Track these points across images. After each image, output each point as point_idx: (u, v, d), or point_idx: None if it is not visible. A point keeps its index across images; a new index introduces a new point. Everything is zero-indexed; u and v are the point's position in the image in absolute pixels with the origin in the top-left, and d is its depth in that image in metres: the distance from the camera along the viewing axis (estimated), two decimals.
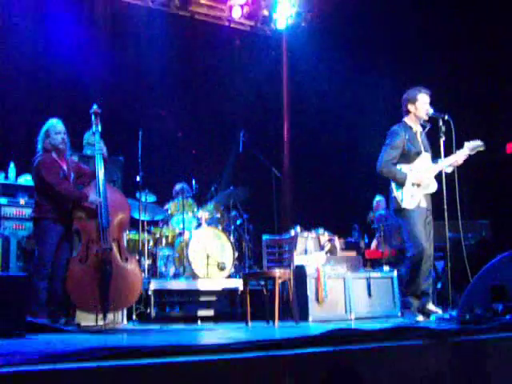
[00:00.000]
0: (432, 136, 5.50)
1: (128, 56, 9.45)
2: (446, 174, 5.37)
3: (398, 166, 5.54)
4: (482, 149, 5.56)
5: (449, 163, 5.47)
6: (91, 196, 5.52)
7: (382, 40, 9.48)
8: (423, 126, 5.68)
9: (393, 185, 5.59)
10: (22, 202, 6.71)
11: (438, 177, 5.45)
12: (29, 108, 8.07)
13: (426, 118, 5.55)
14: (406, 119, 5.66)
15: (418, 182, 5.48)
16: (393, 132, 5.64)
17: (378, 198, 9.05)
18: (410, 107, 5.63)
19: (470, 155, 5.54)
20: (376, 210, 9.03)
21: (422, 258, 5.36)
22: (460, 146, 5.45)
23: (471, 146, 5.52)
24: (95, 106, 5.93)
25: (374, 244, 8.56)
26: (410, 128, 5.62)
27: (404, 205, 5.50)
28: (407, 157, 5.56)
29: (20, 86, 8.26)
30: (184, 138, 9.16)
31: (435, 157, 5.58)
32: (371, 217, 9.02)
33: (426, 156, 5.59)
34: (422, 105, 5.57)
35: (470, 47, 8.45)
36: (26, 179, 6.92)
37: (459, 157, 5.49)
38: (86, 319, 5.65)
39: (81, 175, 5.81)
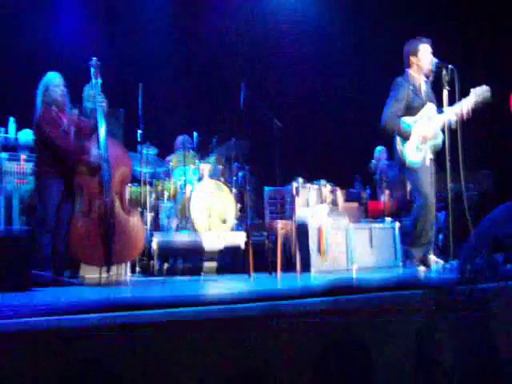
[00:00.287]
0: (437, 87, 5.41)
1: (127, 13, 9.32)
2: (449, 126, 5.29)
3: (403, 119, 5.49)
4: (488, 97, 5.43)
5: (454, 112, 5.35)
6: (93, 150, 5.49)
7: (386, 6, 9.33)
8: (427, 77, 5.60)
9: (398, 138, 5.54)
10: (23, 156, 6.69)
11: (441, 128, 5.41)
12: (27, 62, 7.99)
13: (430, 67, 5.46)
14: (410, 71, 5.59)
15: (424, 134, 5.43)
16: (396, 84, 5.57)
17: (380, 148, 9.01)
18: (413, 58, 5.54)
19: (475, 107, 5.42)
20: (378, 161, 9.01)
21: (428, 208, 5.37)
22: (465, 95, 5.36)
23: (478, 92, 5.37)
24: (94, 59, 5.87)
25: (382, 197, 8.52)
26: (414, 79, 5.55)
27: (409, 158, 5.47)
28: (412, 109, 5.50)
29: (18, 40, 8.17)
30: (184, 92, 9.09)
31: (440, 109, 5.50)
32: (373, 165, 9.01)
33: (430, 107, 5.53)
34: (424, 55, 5.49)
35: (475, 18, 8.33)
36: (27, 134, 6.89)
37: (465, 105, 5.37)
38: (89, 272, 5.70)
39: (81, 129, 5.78)
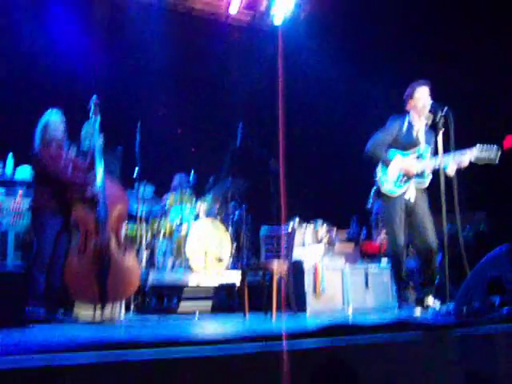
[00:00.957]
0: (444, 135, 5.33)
1: (126, 50, 9.43)
2: (445, 175, 5.24)
3: (392, 150, 5.53)
4: (493, 160, 5.29)
5: (450, 160, 5.29)
6: (92, 186, 5.51)
7: (380, 33, 9.44)
8: (427, 122, 5.62)
9: (378, 167, 5.59)
10: (20, 192, 6.70)
11: (436, 169, 5.40)
12: (27, 99, 8.04)
13: (426, 110, 5.50)
14: (409, 115, 5.64)
15: (405, 168, 5.44)
16: (391, 118, 5.66)
17: (376, 188, 9.04)
18: (410, 103, 5.61)
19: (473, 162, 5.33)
20: (374, 202, 9.04)
21: (397, 250, 5.36)
22: (460, 139, 5.34)
23: (482, 149, 5.21)
24: (95, 97, 5.92)
25: (378, 238, 8.52)
26: (411, 122, 5.59)
27: (384, 190, 5.52)
28: (402, 145, 5.54)
29: (18, 78, 8.24)
30: (182, 131, 9.15)
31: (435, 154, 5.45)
32: (370, 205, 9.03)
33: (424, 148, 5.55)
34: (419, 98, 5.53)
35: (468, 39, 8.42)
36: (25, 170, 6.90)
37: (464, 157, 5.29)
38: (83, 311, 5.66)
39: (77, 168, 5.79)
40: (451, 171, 5.27)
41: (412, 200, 5.46)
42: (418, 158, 5.52)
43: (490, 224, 7.76)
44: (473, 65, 8.20)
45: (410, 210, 5.47)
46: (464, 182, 5.64)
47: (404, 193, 5.46)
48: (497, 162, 5.28)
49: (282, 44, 11.00)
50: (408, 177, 5.47)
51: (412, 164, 5.47)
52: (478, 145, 5.29)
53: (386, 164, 5.48)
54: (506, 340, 3.17)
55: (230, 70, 10.43)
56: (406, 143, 5.53)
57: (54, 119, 5.61)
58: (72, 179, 5.50)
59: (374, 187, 9.02)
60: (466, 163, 5.30)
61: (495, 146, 5.29)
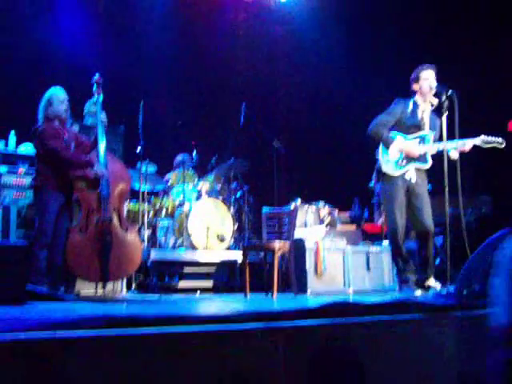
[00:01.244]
0: (449, 118, 5.32)
1: (130, 28, 9.38)
2: (448, 158, 5.24)
3: (393, 132, 5.51)
4: (501, 146, 5.36)
5: (453, 146, 5.32)
6: (94, 166, 5.50)
7: (387, 14, 9.38)
8: (432, 105, 5.60)
9: (380, 147, 5.58)
10: (22, 170, 6.70)
11: (440, 151, 5.38)
12: (29, 76, 8.01)
13: (431, 93, 5.47)
14: (415, 98, 5.61)
15: (406, 150, 5.44)
16: (396, 100, 5.64)
17: None
18: (415, 86, 5.58)
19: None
20: (375, 183, 9.04)
21: (397, 229, 5.37)
22: (465, 122, 5.34)
23: (486, 140, 5.31)
24: (97, 75, 5.90)
25: (380, 219, 8.52)
26: (416, 104, 5.57)
27: (385, 169, 5.51)
28: (405, 128, 5.52)
29: (21, 55, 8.20)
30: (186, 110, 9.12)
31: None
32: (372, 186, 9.03)
33: (428, 132, 5.53)
34: (424, 81, 5.50)
35: (474, 22, 8.37)
36: (27, 148, 6.90)
37: (467, 143, 5.34)
38: (85, 288, 5.69)
39: (80, 145, 5.79)
40: (454, 155, 5.29)
41: (413, 180, 5.46)
42: (420, 142, 5.50)
43: (494, 207, 7.76)
44: (478, 50, 8.16)
45: (410, 191, 5.46)
46: (468, 165, 5.63)
47: (404, 173, 5.45)
48: (503, 146, 5.29)
49: (287, 23, 10.95)
50: (409, 159, 5.46)
51: (413, 147, 5.45)
52: (482, 135, 5.29)
53: (387, 145, 5.46)
54: None
55: (233, 48, 10.36)
56: (411, 125, 5.51)
57: (57, 95, 5.59)
58: (73, 158, 5.49)
59: (377, 166, 9.03)
60: (468, 148, 5.32)
61: (500, 138, 5.30)
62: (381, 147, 5.57)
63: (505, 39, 7.94)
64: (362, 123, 5.78)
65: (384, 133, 5.49)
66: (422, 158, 5.49)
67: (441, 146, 5.26)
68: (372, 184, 8.96)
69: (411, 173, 5.47)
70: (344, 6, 9.93)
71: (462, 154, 5.32)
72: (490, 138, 5.28)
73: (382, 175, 5.57)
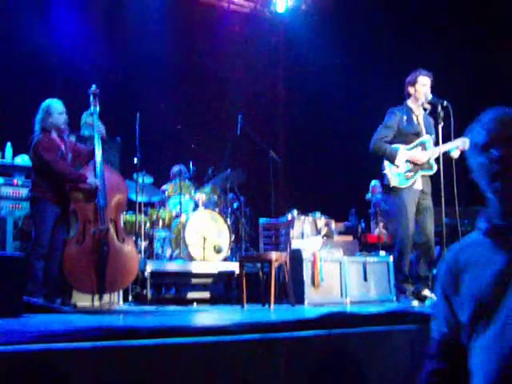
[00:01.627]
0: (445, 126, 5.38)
1: (126, 39, 9.40)
2: (444, 158, 5.30)
3: (394, 145, 5.53)
4: None
5: (452, 146, 5.38)
6: (89, 178, 5.50)
7: (382, 25, 9.41)
8: (425, 109, 5.65)
9: (385, 162, 5.59)
10: (18, 182, 6.69)
11: (436, 161, 5.42)
12: (25, 87, 8.03)
13: (426, 101, 5.52)
14: (408, 102, 5.66)
15: (412, 159, 5.47)
16: (389, 112, 5.66)
17: (374, 182, 9.07)
18: (410, 89, 5.62)
19: None
20: (372, 195, 9.05)
21: (407, 242, 5.38)
22: (460, 133, 5.38)
23: None
24: (94, 87, 5.91)
25: (377, 230, 8.54)
26: (410, 110, 5.60)
27: (394, 183, 5.51)
28: (405, 137, 5.55)
29: (17, 66, 8.22)
30: (182, 126, 9.13)
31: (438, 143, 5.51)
32: (368, 198, 9.05)
33: (427, 138, 5.57)
34: (421, 87, 5.55)
35: (469, 31, 8.40)
36: (23, 159, 6.90)
37: (466, 141, 5.39)
38: (82, 299, 5.68)
39: (78, 155, 5.80)
40: (456, 154, 5.36)
41: (420, 188, 5.49)
42: (422, 149, 5.54)
43: None
44: (472, 56, 8.19)
45: (419, 202, 5.49)
46: (465, 175, 5.64)
47: (413, 183, 5.47)
48: None
49: (284, 33, 11.00)
50: (416, 168, 5.48)
51: (418, 154, 5.49)
52: None
53: (393, 158, 5.47)
54: None
55: (230, 59, 10.39)
56: (409, 133, 5.54)
57: (56, 107, 5.60)
58: (66, 172, 5.48)
59: (373, 181, 9.06)
60: (468, 145, 5.34)
61: None
62: (386, 162, 5.58)
63: (497, 44, 7.97)
64: (360, 134, 5.81)
65: (387, 147, 5.51)
66: (427, 165, 5.53)
67: (442, 148, 5.32)
68: (369, 196, 8.98)
69: (418, 181, 5.50)
70: (341, 16, 9.98)
71: (457, 165, 5.34)
72: None
73: (390, 189, 5.55)
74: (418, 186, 5.50)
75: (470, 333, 1.72)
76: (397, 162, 5.47)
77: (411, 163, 5.49)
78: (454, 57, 8.40)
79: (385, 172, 5.60)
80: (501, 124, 1.82)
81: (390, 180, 5.53)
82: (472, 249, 1.84)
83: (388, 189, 5.59)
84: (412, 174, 5.48)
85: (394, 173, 5.53)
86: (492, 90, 7.99)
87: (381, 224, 8.32)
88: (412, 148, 5.53)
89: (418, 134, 5.56)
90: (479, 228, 1.84)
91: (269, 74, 10.93)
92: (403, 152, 5.49)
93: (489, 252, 1.76)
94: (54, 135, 5.57)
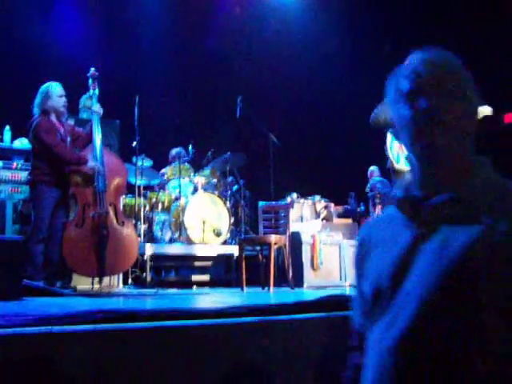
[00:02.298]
0: None
1: (124, 20, 9.36)
2: None
3: None
4: (489, 113, 5.46)
5: None
6: (89, 161, 5.50)
7: (384, 11, 9.37)
8: None
9: (387, 143, 5.57)
10: (17, 165, 6.68)
11: None
12: (24, 71, 7.99)
13: None
14: None
15: None
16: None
17: (372, 167, 9.09)
18: None
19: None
20: (370, 178, 9.07)
21: None
22: None
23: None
24: (92, 69, 5.88)
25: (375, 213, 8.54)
26: None
27: (396, 166, 5.50)
28: None
29: (15, 50, 8.17)
30: (181, 104, 9.11)
31: None
32: (368, 190, 9.07)
33: None
34: None
35: (468, 20, 8.37)
36: (22, 142, 6.88)
37: None
38: (82, 283, 5.69)
39: (76, 138, 5.78)
40: None
41: None
42: None
43: None
44: (473, 40, 8.15)
45: None
46: None
47: None
48: (490, 112, 5.37)
49: (284, 14, 10.92)
50: None
51: None
52: None
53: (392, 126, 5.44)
54: None
55: (228, 42, 10.34)
56: None
57: (55, 90, 5.57)
58: (66, 155, 5.47)
59: (371, 167, 9.07)
60: None
61: (486, 105, 5.40)
62: (388, 144, 5.55)
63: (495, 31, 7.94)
64: (359, 117, 5.79)
65: (387, 116, 5.48)
66: None
67: None
68: (368, 188, 8.96)
69: None
70: (338, 4, 9.93)
71: None
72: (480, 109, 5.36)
73: (394, 172, 5.54)
74: None
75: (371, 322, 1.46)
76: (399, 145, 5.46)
77: None
78: (458, 38, 8.35)
79: (388, 154, 5.59)
80: (432, 67, 1.47)
81: (393, 162, 5.52)
82: (385, 224, 1.54)
83: (392, 171, 5.57)
84: None
85: (397, 155, 5.51)
86: (496, 73, 7.97)
87: (379, 207, 8.31)
88: None
89: None
90: (394, 198, 1.52)
91: (269, 56, 10.86)
92: None
93: (399, 228, 1.46)
94: (53, 118, 5.55)
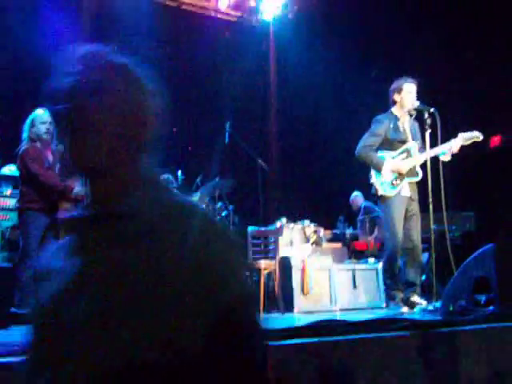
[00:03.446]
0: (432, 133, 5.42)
1: (113, 44, 9.37)
2: (432, 164, 5.31)
3: (380, 153, 5.57)
4: (478, 139, 5.53)
5: (438, 152, 5.41)
6: (76, 188, 5.48)
7: (370, 32, 9.46)
8: (410, 115, 5.68)
9: (372, 171, 5.63)
10: (6, 192, 6.64)
11: (424, 168, 5.45)
12: (14, 98, 7.98)
13: (412, 108, 5.55)
14: (393, 109, 5.69)
15: (396, 169, 5.50)
16: (376, 120, 5.70)
17: (355, 193, 9.13)
18: (396, 97, 5.65)
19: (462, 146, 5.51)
20: (353, 205, 9.11)
21: (397, 250, 5.41)
22: (448, 138, 5.44)
23: (466, 137, 5.47)
24: None
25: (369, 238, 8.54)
26: (396, 117, 5.64)
27: (381, 192, 5.55)
28: (391, 144, 5.59)
29: (5, 76, 8.17)
30: (170, 128, 9.11)
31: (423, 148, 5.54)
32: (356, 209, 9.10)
33: (412, 144, 5.60)
34: (407, 94, 5.58)
35: (458, 38, 8.45)
36: (11, 169, 6.85)
37: (453, 145, 5.46)
38: None
39: (67, 165, 5.76)
40: (446, 157, 5.41)
41: (408, 195, 5.52)
42: (407, 156, 5.56)
43: (477, 224, 7.81)
44: (459, 65, 8.24)
45: (407, 208, 5.52)
46: (451, 182, 5.68)
47: (400, 190, 5.50)
48: (481, 138, 5.45)
49: (272, 41, 11.03)
50: (401, 176, 5.52)
51: (402, 164, 5.52)
52: (460, 134, 5.45)
53: (379, 168, 5.51)
54: (490, 338, 3.19)
55: (218, 66, 10.41)
56: (395, 140, 5.58)
57: (40, 116, 5.58)
58: (52, 184, 5.46)
59: (354, 193, 9.12)
60: (456, 149, 5.42)
61: (477, 132, 5.46)
62: (373, 171, 5.61)
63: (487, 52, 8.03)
64: (349, 141, 5.83)
65: (373, 157, 5.55)
66: (412, 173, 5.56)
67: (429, 154, 5.35)
68: (362, 214, 8.98)
69: (405, 188, 5.53)
70: (328, 22, 10.02)
71: (444, 171, 5.38)
72: (467, 135, 5.51)
73: (379, 198, 5.60)
74: (406, 192, 5.53)
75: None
76: (383, 172, 5.51)
77: (397, 172, 5.53)
78: (444, 63, 8.44)
79: (372, 181, 5.64)
80: (80, 66, 1.30)
81: (378, 189, 5.57)
82: (60, 251, 1.33)
83: (377, 197, 5.63)
84: (398, 181, 5.51)
85: (381, 182, 5.56)
86: (482, 96, 8.06)
87: (375, 231, 8.37)
88: (397, 156, 5.56)
89: (403, 142, 5.60)
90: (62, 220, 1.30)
91: (257, 81, 10.94)
92: (389, 161, 5.52)
93: (70, 252, 1.27)
94: (39, 145, 5.55)
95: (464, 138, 5.46)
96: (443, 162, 5.46)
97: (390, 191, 5.52)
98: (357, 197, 9.13)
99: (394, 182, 5.51)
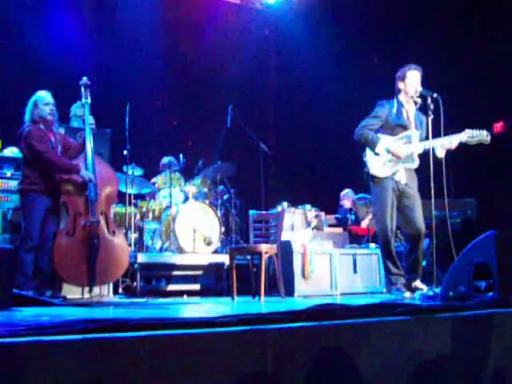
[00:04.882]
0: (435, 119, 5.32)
1: (116, 30, 9.37)
2: (434, 157, 5.23)
3: (380, 135, 5.55)
4: (485, 142, 5.38)
5: (439, 143, 5.35)
6: (82, 170, 5.49)
7: (373, 18, 9.41)
8: (415, 103, 5.65)
9: (367, 150, 5.62)
10: (7, 174, 6.65)
11: (426, 155, 5.42)
12: (15, 80, 7.97)
13: (416, 95, 5.52)
14: (398, 96, 5.66)
15: (392, 150, 5.47)
16: (378, 103, 5.69)
17: (347, 190, 9.08)
18: (400, 85, 5.63)
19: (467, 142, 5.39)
20: (344, 201, 9.07)
21: (387, 231, 5.40)
22: (450, 125, 5.38)
23: (472, 134, 5.33)
24: (85, 78, 5.88)
25: (364, 223, 8.55)
26: (401, 104, 5.61)
27: (372, 171, 5.54)
28: (392, 129, 5.56)
29: (7, 59, 8.16)
30: (172, 113, 9.11)
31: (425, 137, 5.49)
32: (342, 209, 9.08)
33: (413, 132, 5.57)
34: (410, 81, 5.55)
35: (462, 25, 8.41)
36: (12, 151, 6.85)
37: (453, 140, 5.37)
38: (72, 292, 5.66)
39: (67, 148, 5.77)
40: (440, 153, 5.32)
41: (403, 182, 5.50)
42: (406, 142, 5.54)
43: (478, 211, 7.81)
44: (463, 51, 8.19)
45: (401, 192, 5.50)
46: (453, 168, 5.67)
47: (394, 174, 5.49)
48: (489, 141, 5.33)
49: (275, 24, 10.98)
50: (396, 160, 5.49)
51: (400, 147, 5.49)
52: (466, 130, 5.33)
53: (374, 145, 5.50)
54: (490, 323, 3.20)
55: (220, 50, 10.37)
56: (396, 125, 5.55)
57: (42, 98, 5.58)
58: (59, 162, 5.47)
59: (344, 191, 9.10)
60: (454, 146, 5.35)
61: (485, 131, 5.34)
62: (368, 150, 5.61)
63: (489, 39, 7.99)
64: (349, 126, 5.81)
65: (369, 134, 5.53)
66: (408, 158, 5.53)
67: (427, 145, 5.30)
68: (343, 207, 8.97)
69: (401, 174, 5.51)
70: (332, 7, 9.97)
71: (446, 157, 5.35)
72: (474, 132, 5.31)
73: (371, 178, 5.59)
74: (401, 178, 5.50)
75: None
76: (377, 150, 5.49)
77: (392, 154, 5.49)
78: (448, 50, 8.40)
79: (365, 159, 5.63)
80: None
81: (370, 167, 5.56)
82: None
83: (367, 176, 5.62)
84: (392, 164, 5.49)
85: (374, 162, 5.55)
86: (484, 87, 8.03)
87: (368, 215, 8.35)
88: (396, 140, 5.54)
89: (405, 127, 5.56)
90: None
91: (259, 65, 10.91)
92: (385, 141, 5.50)
93: None
94: (43, 127, 5.54)
95: (469, 135, 5.32)
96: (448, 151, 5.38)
97: (382, 172, 5.51)
98: (347, 193, 9.08)
99: (388, 164, 5.49)
